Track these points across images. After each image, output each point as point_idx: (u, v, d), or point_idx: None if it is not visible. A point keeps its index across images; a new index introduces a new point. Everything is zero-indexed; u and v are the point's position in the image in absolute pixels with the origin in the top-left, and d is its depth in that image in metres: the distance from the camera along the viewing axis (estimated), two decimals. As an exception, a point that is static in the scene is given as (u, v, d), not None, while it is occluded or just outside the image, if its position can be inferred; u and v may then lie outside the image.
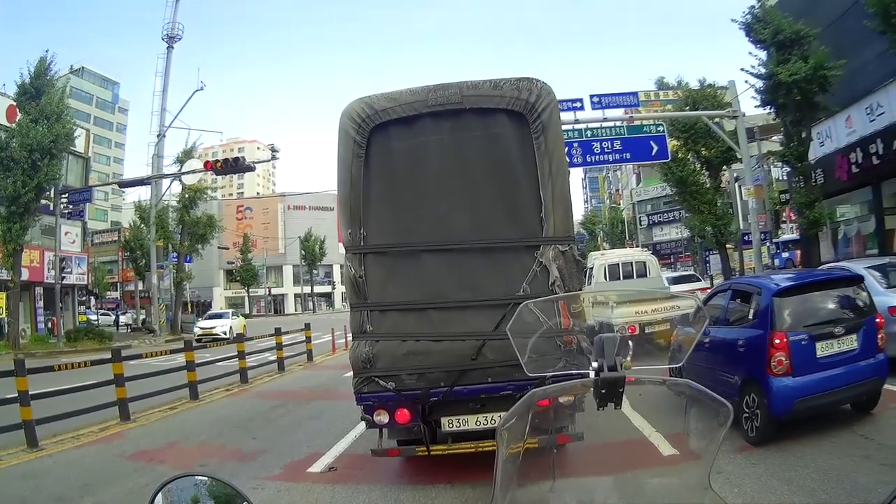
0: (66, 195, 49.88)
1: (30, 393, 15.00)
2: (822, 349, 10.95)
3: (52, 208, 47.25)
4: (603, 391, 2.40)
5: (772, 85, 30.03)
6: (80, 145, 57.00)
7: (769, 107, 31.87)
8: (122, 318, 78.57)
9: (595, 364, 2.46)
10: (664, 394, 10.25)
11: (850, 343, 11.06)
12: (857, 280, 12.39)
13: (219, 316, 59.06)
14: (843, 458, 9.84)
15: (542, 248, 9.84)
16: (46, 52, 45.30)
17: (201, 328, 54.24)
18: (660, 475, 3.19)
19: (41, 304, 52.81)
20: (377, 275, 10.21)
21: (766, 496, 8.72)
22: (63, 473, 13.01)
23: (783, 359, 10.82)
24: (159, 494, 2.15)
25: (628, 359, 2.54)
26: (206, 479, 2.29)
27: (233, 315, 59.06)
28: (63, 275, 50.52)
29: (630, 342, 2.76)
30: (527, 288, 9.62)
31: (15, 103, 44.47)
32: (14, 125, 43.11)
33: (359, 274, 10.15)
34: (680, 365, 3.19)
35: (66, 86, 50.73)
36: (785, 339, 10.88)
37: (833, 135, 32.09)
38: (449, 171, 10.16)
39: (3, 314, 42.84)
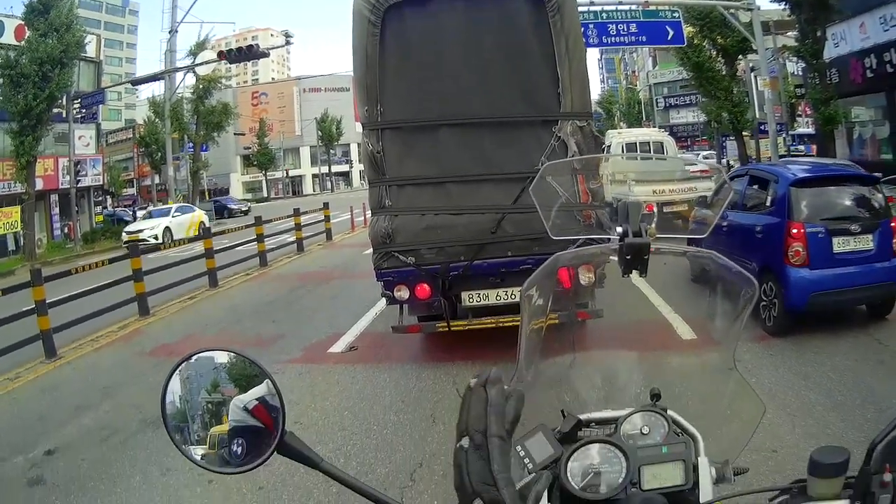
0: (79, 100, 49.54)
1: (47, 301, 14.74)
2: (839, 245, 10.87)
3: (64, 115, 46.92)
4: (628, 257, 2.29)
5: (785, -19, 29.67)
6: (91, 51, 56.43)
7: (783, 3, 31.42)
8: (140, 213, 77.93)
9: (619, 229, 2.35)
10: (683, 277, 10.23)
11: (866, 243, 10.95)
12: (873, 180, 12.18)
13: (162, 214, 48.71)
14: (859, 360, 9.81)
15: (560, 122, 9.94)
16: None
17: (127, 232, 45.58)
18: (682, 355, 3.14)
19: (57, 210, 52.70)
20: (395, 150, 10.30)
21: (783, 390, 8.73)
22: (82, 380, 13.05)
23: (800, 249, 10.77)
24: (175, 374, 2.11)
25: (653, 226, 2.47)
26: (224, 355, 2.17)
27: (177, 212, 48.49)
28: (78, 178, 50.53)
29: (655, 210, 2.72)
30: (545, 161, 9.49)
31: (23, 22, 43.91)
32: (23, 42, 42.75)
33: (376, 150, 10.22)
34: (703, 237, 3.03)
35: (75, -4, 50.23)
36: (802, 230, 10.82)
37: (847, 38, 31.80)
38: (464, 50, 10.13)
39: (18, 227, 42.53)
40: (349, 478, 1.72)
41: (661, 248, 2.38)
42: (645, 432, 2.08)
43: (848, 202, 11.50)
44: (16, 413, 11.52)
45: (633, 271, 2.31)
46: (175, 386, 2.13)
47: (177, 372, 2.10)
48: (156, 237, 42.54)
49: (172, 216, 46.79)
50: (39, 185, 45.96)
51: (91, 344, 15.62)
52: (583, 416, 2.21)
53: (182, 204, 52.96)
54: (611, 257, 2.38)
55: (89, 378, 13.02)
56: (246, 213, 70.79)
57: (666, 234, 2.65)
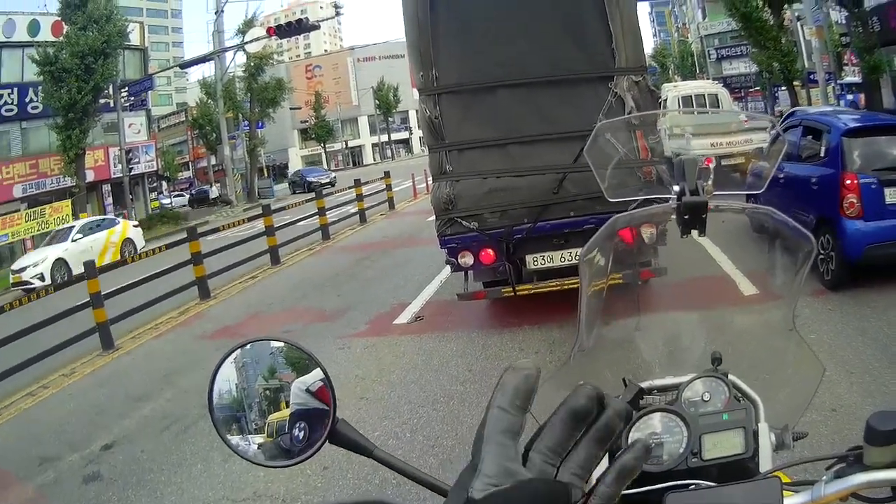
0: (126, 89, 49.72)
1: (102, 293, 14.69)
2: (891, 196, 10.70)
3: (112, 105, 47.19)
4: (686, 217, 2.27)
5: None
6: (135, 39, 56.32)
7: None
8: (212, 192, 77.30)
9: (676, 188, 2.32)
10: (744, 230, 10.20)
11: None
12: None
13: (62, 238, 33.72)
14: (916, 316, 9.69)
15: (615, 78, 9.89)
16: None
17: (12, 272, 32.72)
18: (743, 313, 3.14)
19: (110, 200, 52.90)
20: (452, 115, 10.28)
21: (841, 346, 8.65)
22: (141, 369, 13.14)
23: (854, 201, 10.64)
24: (230, 362, 2.10)
25: (710, 183, 2.43)
26: (278, 343, 2.13)
27: (79, 233, 33.90)
28: (130, 166, 50.72)
29: (711, 167, 2.76)
30: (603, 119, 9.27)
31: (60, 18, 44.10)
32: (62, 38, 42.80)
33: (434, 115, 10.21)
34: (760, 192, 2.98)
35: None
36: (856, 181, 10.68)
37: (886, -14, 31.32)
38: (516, 9, 10.13)
39: (70, 221, 40.32)
40: (402, 464, 1.75)
41: (719, 206, 2.37)
42: (706, 399, 2.12)
43: (897, 152, 11.38)
44: (72, 409, 11.57)
45: (693, 230, 2.30)
46: (230, 374, 2.15)
47: (231, 360, 2.10)
48: (41, 277, 30.73)
49: (72, 240, 33.03)
50: (90, 176, 46.45)
51: (150, 332, 15.73)
52: (644, 384, 2.24)
53: (93, 218, 39.11)
54: (670, 216, 2.35)
55: (148, 367, 13.17)
56: (333, 184, 55.00)
57: (724, 190, 2.61)
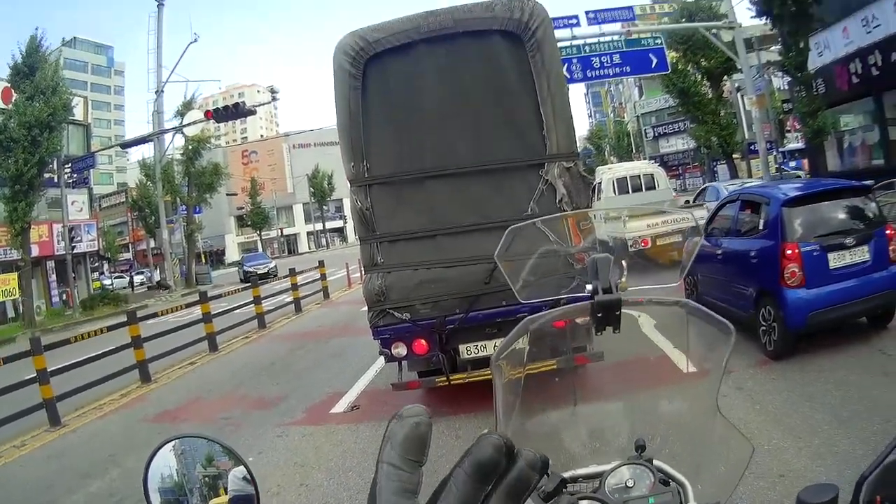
0: (70, 165, 49.64)
1: (48, 370, 14.82)
2: (835, 260, 10.85)
3: (56, 180, 47.13)
4: (599, 315, 2.29)
5: (766, -4, 29.84)
6: (78, 113, 56.68)
7: (764, 17, 31.62)
8: (137, 279, 78.30)
9: (589, 287, 2.34)
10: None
11: (862, 254, 10.95)
12: (865, 189, 12.16)
13: None
14: (863, 374, 9.79)
15: (546, 165, 9.90)
16: (37, 29, 44.67)
17: None
18: (669, 398, 3.08)
19: (54, 277, 52.75)
20: (384, 205, 10.25)
21: (787, 413, 8.72)
22: (88, 447, 13.08)
23: (796, 270, 10.76)
24: (169, 451, 2.17)
25: (623, 279, 2.46)
26: (198, 439, 2.26)
27: None
28: (73, 244, 50.46)
29: (624, 262, 2.69)
30: (534, 207, 9.67)
31: (9, 84, 43.92)
32: (10, 106, 42.69)
33: (365, 206, 10.19)
34: (675, 284, 2.97)
35: (59, 59, 50.34)
36: (797, 250, 10.80)
37: (831, 45, 32.00)
38: (447, 96, 10.12)
39: (16, 294, 42.38)
40: None
41: (634, 299, 2.37)
42: (630, 485, 2.10)
43: (841, 215, 11.48)
44: (25, 480, 11.66)
45: (608, 327, 2.29)
46: (171, 460, 2.19)
47: (169, 448, 2.15)
48: None
49: None
50: (35, 251, 46.13)
51: (95, 412, 15.75)
52: (567, 474, 2.22)
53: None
54: (585, 315, 2.35)
55: (95, 446, 13.08)
56: (273, 275, 52.26)
57: (639, 285, 2.67)
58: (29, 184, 41.14)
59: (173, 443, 2.20)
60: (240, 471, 2.14)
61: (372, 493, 0.80)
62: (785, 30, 30.63)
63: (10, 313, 46.73)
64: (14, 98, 42.52)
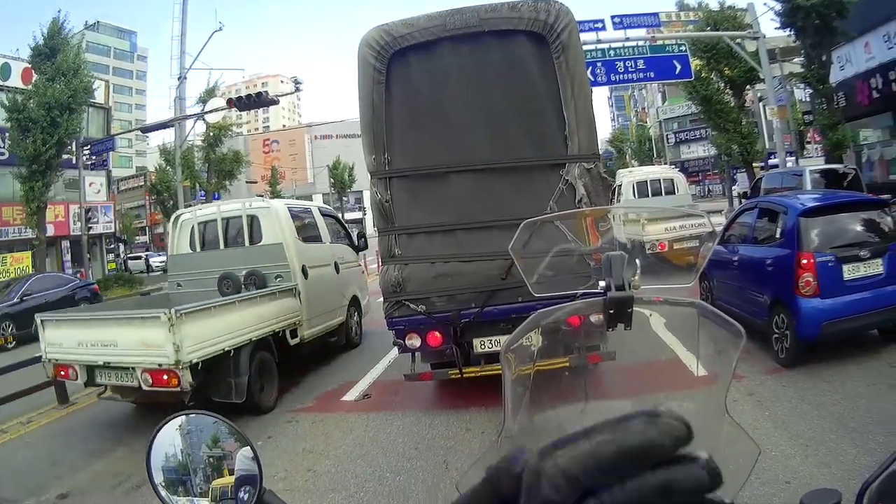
0: (89, 147, 49.54)
1: None
2: (849, 272, 10.84)
3: (74, 161, 47.13)
4: (611, 311, 2.33)
5: (790, 8, 29.78)
6: (99, 97, 56.62)
7: (788, 29, 31.58)
8: (155, 261, 76.62)
9: (602, 283, 2.38)
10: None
11: (876, 267, 10.93)
12: (881, 203, 12.17)
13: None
14: (871, 385, 9.79)
15: (567, 166, 9.96)
16: (59, 12, 44.34)
17: None
18: (678, 400, 3.07)
19: (69, 257, 52.92)
20: (403, 199, 10.36)
21: (796, 420, 8.72)
22: (97, 424, 13.04)
23: (811, 280, 10.74)
24: (175, 429, 2.22)
25: (636, 278, 2.46)
26: (206, 417, 2.29)
27: None
28: (89, 225, 50.51)
29: (637, 260, 2.68)
30: (553, 206, 9.71)
31: (30, 65, 44.09)
32: (30, 86, 42.75)
33: (385, 198, 10.30)
34: (688, 285, 3.05)
35: (81, 42, 50.25)
36: (812, 260, 10.80)
37: (853, 59, 32.16)
38: (470, 94, 10.17)
39: (31, 272, 41.67)
40: None
41: (646, 298, 2.38)
42: None
43: (857, 228, 11.49)
44: (29, 456, 11.57)
45: (619, 324, 2.32)
46: (175, 439, 2.21)
47: (175, 427, 2.17)
48: None
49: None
50: (50, 231, 46.20)
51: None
52: None
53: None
54: (597, 311, 2.39)
55: (103, 424, 12.99)
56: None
57: (652, 284, 2.65)
58: (47, 164, 41.18)
59: (179, 421, 2.24)
60: (247, 451, 2.15)
61: None
62: (808, 42, 30.71)
63: (25, 291, 46.56)
64: (34, 79, 42.59)
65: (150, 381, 10.74)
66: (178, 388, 10.62)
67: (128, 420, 13.03)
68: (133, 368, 10.91)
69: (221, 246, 15.25)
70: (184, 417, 2.24)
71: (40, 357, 13.07)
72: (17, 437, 12.72)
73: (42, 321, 12.32)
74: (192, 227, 15.74)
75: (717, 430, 2.31)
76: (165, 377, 10.60)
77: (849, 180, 22.04)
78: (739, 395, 9.56)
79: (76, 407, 14.36)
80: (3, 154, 46.57)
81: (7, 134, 43.12)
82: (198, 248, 15.66)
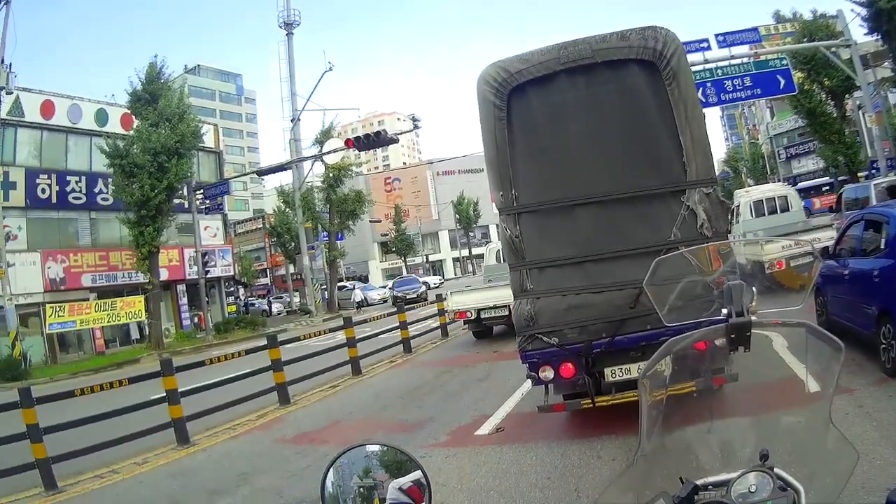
0: (202, 191, 50.25)
1: (179, 390, 15.14)
2: (955, 280, 10.58)
3: (187, 206, 47.64)
4: (732, 336, 2.62)
5: (874, 12, 29.53)
6: (209, 140, 57.59)
7: (876, 34, 31.26)
8: (275, 306, 78.16)
9: (724, 311, 2.67)
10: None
11: None
12: None
13: None
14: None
15: (687, 192, 9.97)
16: (155, 57, 45.51)
17: None
18: (790, 413, 3.35)
19: (185, 300, 53.57)
20: (532, 233, 10.40)
21: None
22: (217, 466, 13.35)
23: (916, 289, 10.54)
24: (331, 470, 2.37)
25: (753, 303, 2.81)
26: (376, 447, 2.49)
27: None
28: (207, 269, 51.02)
29: (755, 288, 3.09)
30: (676, 233, 9.78)
31: (129, 111, 44.99)
32: (132, 132, 43.53)
33: (515, 234, 10.37)
34: (799, 307, 3.22)
35: (183, 86, 51.15)
36: (917, 269, 10.60)
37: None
38: (589, 125, 10.27)
39: (142, 317, 43.47)
40: None
41: (761, 322, 2.76)
42: (753, 490, 2.39)
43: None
44: (144, 496, 11.97)
45: (740, 347, 2.72)
46: (329, 474, 2.46)
47: (331, 469, 2.40)
48: None
49: None
50: (164, 275, 47.01)
51: (228, 432, 15.96)
52: (699, 482, 2.53)
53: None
54: (720, 336, 2.73)
55: (224, 464, 13.35)
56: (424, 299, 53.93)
57: (767, 308, 3.07)
58: (157, 209, 41.95)
59: (353, 451, 2.47)
60: (397, 483, 2.36)
61: None
62: (895, 45, 30.30)
63: (135, 335, 47.60)
64: (135, 124, 43.40)
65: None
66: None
67: (251, 460, 13.27)
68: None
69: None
70: (341, 458, 2.48)
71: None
72: (130, 477, 13.09)
73: (451, 292, 25.74)
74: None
75: (823, 439, 2.67)
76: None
77: None
78: (850, 407, 9.50)
79: (197, 448, 14.78)
80: (106, 199, 47.62)
81: (111, 179, 43.90)
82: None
